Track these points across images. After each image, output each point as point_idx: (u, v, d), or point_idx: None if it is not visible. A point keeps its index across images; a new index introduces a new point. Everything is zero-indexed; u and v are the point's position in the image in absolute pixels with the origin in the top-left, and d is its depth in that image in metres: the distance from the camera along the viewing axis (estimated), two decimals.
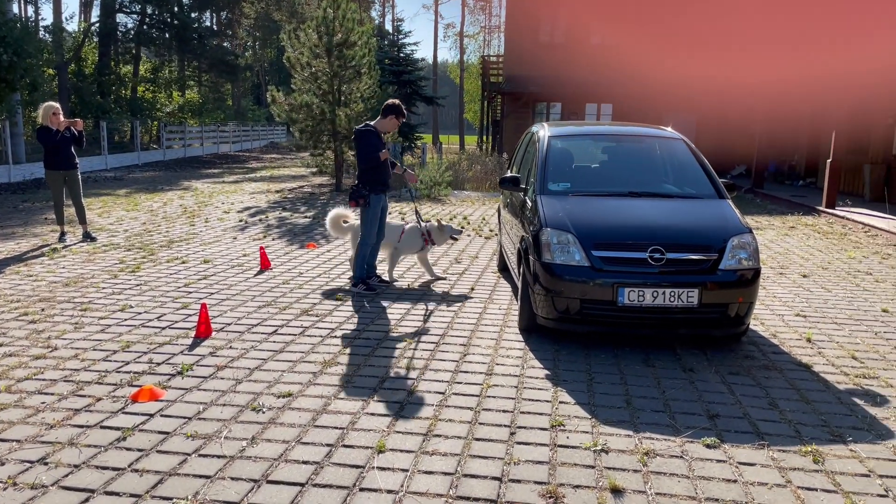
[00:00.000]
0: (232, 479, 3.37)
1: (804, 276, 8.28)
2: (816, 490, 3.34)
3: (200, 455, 3.59)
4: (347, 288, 7.25)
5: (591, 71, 23.68)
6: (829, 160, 14.57)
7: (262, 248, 8.69)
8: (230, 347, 5.31)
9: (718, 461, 3.63)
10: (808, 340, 5.77)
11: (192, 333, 5.61)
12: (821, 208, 14.40)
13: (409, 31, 43.51)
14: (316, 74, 17.54)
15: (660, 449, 3.75)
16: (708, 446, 3.79)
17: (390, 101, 7.08)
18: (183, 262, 8.45)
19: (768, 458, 3.67)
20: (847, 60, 13.20)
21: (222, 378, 4.68)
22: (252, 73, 58.52)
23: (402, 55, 31.51)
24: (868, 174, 16.11)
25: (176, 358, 5.05)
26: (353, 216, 7.63)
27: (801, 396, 4.56)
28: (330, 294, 7.03)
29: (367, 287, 7.11)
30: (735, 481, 3.42)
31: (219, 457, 3.58)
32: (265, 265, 8.24)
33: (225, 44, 52.19)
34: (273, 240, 10.37)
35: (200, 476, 3.39)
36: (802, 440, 3.89)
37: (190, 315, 6.15)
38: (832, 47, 13.67)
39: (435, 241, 7.55)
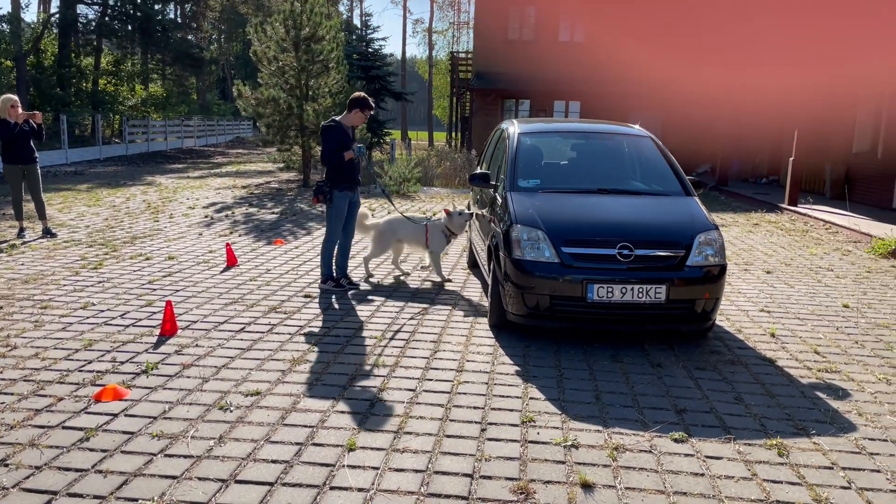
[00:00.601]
0: (199, 479, 3.31)
1: (768, 273, 8.43)
2: (781, 483, 3.40)
3: (166, 455, 3.53)
4: (317, 286, 7.14)
5: (559, 68, 23.83)
6: (791, 159, 14.85)
7: (228, 244, 8.57)
8: (196, 345, 5.23)
9: (686, 455, 3.67)
10: (772, 335, 5.87)
11: (157, 331, 5.51)
12: (783, 206, 14.68)
13: (378, 27, 43.38)
14: (283, 69, 17.33)
15: (629, 444, 3.78)
16: (676, 441, 3.83)
17: (355, 94, 6.86)
18: (147, 259, 8.29)
19: (734, 452, 3.72)
20: (809, 63, 13.47)
21: (188, 376, 4.60)
22: (217, 66, 57.67)
23: (370, 50, 31.34)
24: (829, 173, 16.47)
25: (140, 356, 4.95)
26: (372, 215, 7.67)
27: (765, 390, 4.63)
28: (298, 291, 6.95)
29: (336, 284, 6.99)
30: (703, 475, 3.47)
31: (185, 457, 3.52)
32: (231, 262, 8.13)
33: (189, 37, 51.27)
34: (239, 236, 10.24)
35: (167, 476, 3.32)
36: (767, 433, 3.96)
37: (154, 312, 6.04)
38: (796, 50, 13.93)
39: (455, 231, 7.39)
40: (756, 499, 3.25)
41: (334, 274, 7.05)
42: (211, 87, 58.35)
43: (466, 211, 7.45)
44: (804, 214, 13.58)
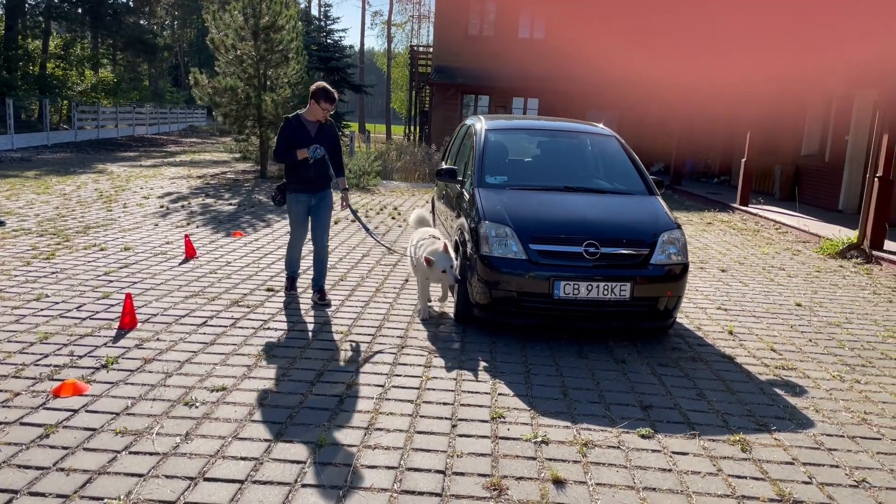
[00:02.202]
0: (166, 476, 3.24)
1: (723, 271, 8.64)
2: (746, 478, 3.49)
3: (131, 452, 3.44)
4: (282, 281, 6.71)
5: (518, 65, 23.95)
6: (743, 160, 15.23)
7: (186, 235, 8.39)
8: (157, 339, 5.10)
9: (653, 451, 3.74)
10: (730, 333, 6.02)
11: (116, 324, 5.36)
12: (735, 205, 15.04)
13: (338, 18, 42.82)
14: (241, 57, 17.02)
15: (597, 440, 3.84)
16: (643, 436, 3.90)
17: (316, 84, 6.13)
18: (101, 250, 8.06)
19: (700, 448, 3.81)
20: (762, 65, 13.82)
21: (151, 371, 4.49)
22: (171, 53, 56.27)
23: (329, 41, 31.01)
24: (778, 174, 16.94)
25: (99, 350, 4.81)
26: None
27: (726, 387, 4.75)
28: (260, 284, 6.85)
29: (288, 285, 6.49)
30: (670, 470, 3.54)
31: (151, 454, 3.43)
32: (190, 254, 7.96)
33: (142, 22, 49.95)
34: (197, 227, 10.03)
35: (132, 475, 3.24)
36: (730, 429, 4.06)
37: (112, 305, 5.87)
38: (749, 52, 14.26)
39: (430, 279, 5.96)
40: (723, 494, 3.33)
41: (297, 273, 6.58)
42: (164, 74, 56.98)
43: (452, 266, 5.68)
44: (755, 214, 13.94)
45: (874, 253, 9.61)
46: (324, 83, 6.14)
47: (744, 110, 16.31)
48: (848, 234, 10.60)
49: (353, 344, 5.23)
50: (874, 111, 10.27)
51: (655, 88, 19.69)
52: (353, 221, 11.03)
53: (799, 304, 7.10)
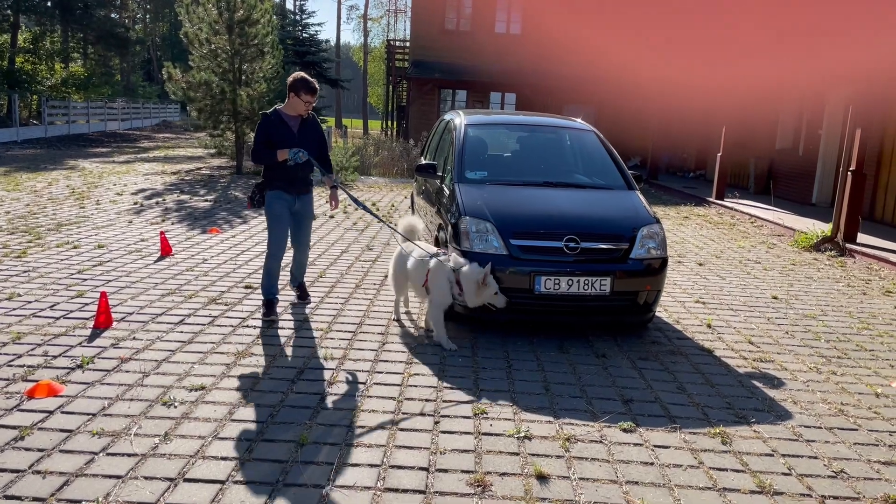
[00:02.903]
0: (145, 478, 3.19)
1: (700, 265, 8.71)
2: (727, 470, 3.52)
3: (109, 454, 3.38)
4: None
5: (495, 60, 23.94)
6: (719, 154, 15.38)
7: (162, 232, 8.27)
8: (134, 338, 5.02)
9: (636, 445, 3.76)
10: (709, 326, 6.07)
11: (91, 324, 5.26)
12: (711, 199, 15.19)
13: (313, 12, 42.44)
14: (216, 52, 16.81)
15: (580, 434, 3.84)
16: (625, 430, 3.92)
17: (293, 75, 5.59)
18: (75, 248, 7.91)
19: (681, 441, 3.83)
20: (736, 60, 13.94)
21: (127, 371, 4.42)
22: (143, 47, 55.48)
23: (305, 36, 30.76)
24: (753, 168, 17.14)
25: (74, 350, 4.72)
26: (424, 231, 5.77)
27: (705, 380, 4.78)
28: (238, 281, 6.77)
29: (266, 311, 5.62)
30: (652, 464, 3.55)
31: (129, 455, 3.38)
32: (166, 251, 7.85)
33: (113, 15, 49.13)
34: (172, 224, 9.90)
35: (110, 476, 3.18)
36: (710, 422, 4.09)
37: (87, 304, 5.77)
38: (724, 47, 14.39)
39: (464, 294, 5.09)
40: (704, 486, 3.35)
41: (276, 297, 5.72)
42: (136, 69, 56.15)
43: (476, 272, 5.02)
44: (731, 208, 14.09)
45: (848, 246, 9.76)
46: (302, 73, 5.60)
47: (719, 105, 16.46)
48: (822, 228, 10.75)
49: (334, 341, 5.19)
50: (847, 106, 10.41)
51: (632, 83, 19.80)
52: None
53: (775, 297, 7.18)
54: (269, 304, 5.66)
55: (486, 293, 4.97)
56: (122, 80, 51.05)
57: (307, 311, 5.92)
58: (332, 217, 11.01)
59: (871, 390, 4.71)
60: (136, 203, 11.69)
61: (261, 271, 7.17)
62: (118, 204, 11.49)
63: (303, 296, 6.13)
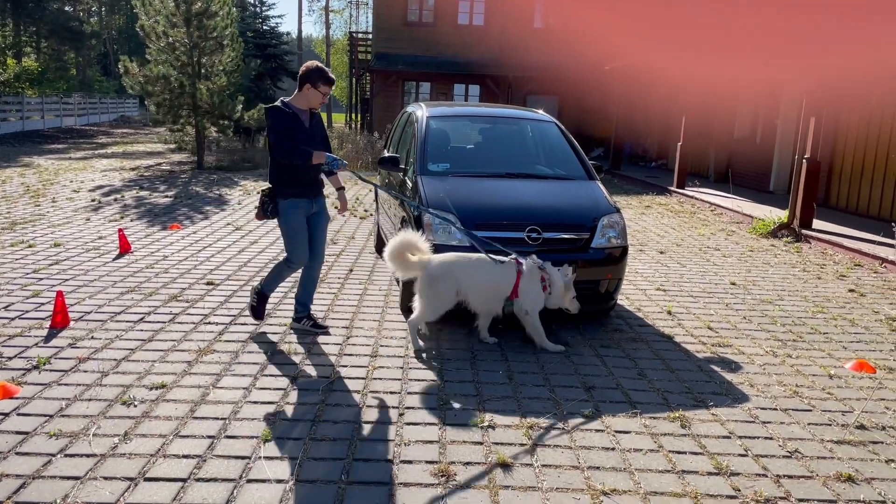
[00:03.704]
0: (105, 478, 3.14)
1: (661, 253, 8.85)
2: (686, 453, 3.59)
3: (67, 455, 3.32)
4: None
5: (458, 52, 23.95)
6: (679, 144, 15.61)
7: (120, 229, 8.12)
8: (92, 337, 4.93)
9: (597, 431, 3.81)
10: (669, 313, 6.17)
11: (47, 324, 5.15)
12: (672, 188, 15.42)
13: (273, 4, 41.95)
14: (174, 45, 16.53)
15: (543, 422, 3.89)
16: (587, 417, 3.97)
17: (306, 64, 4.96)
18: (30, 246, 7.73)
19: (641, 426, 3.90)
20: (695, 50, 14.13)
21: (86, 371, 4.34)
22: (99, 40, 54.17)
23: (266, 28, 30.35)
24: (713, 157, 17.42)
25: (30, 351, 4.62)
26: (424, 244, 4.97)
27: (666, 366, 4.87)
28: (199, 278, 6.69)
29: (255, 310, 5.30)
30: (614, 449, 3.61)
31: (88, 456, 3.32)
32: (125, 248, 7.71)
33: (67, 8, 47.91)
34: (131, 221, 9.73)
35: (69, 478, 3.13)
36: (670, 407, 4.16)
37: (42, 304, 5.65)
38: (683, 38, 14.58)
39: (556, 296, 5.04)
40: (664, 469, 3.42)
41: (267, 294, 5.34)
42: (92, 63, 54.83)
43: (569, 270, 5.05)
44: (691, 197, 14.32)
45: (803, 232, 10.00)
46: (316, 62, 5.01)
47: (680, 96, 16.69)
48: (779, 214, 10.99)
49: (297, 336, 5.16)
50: (801, 96, 10.64)
51: (594, 74, 19.96)
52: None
53: (734, 283, 7.33)
54: (264, 297, 5.29)
55: (568, 296, 5.00)
56: (78, 75, 49.84)
57: (269, 306, 5.86)
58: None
59: (825, 372, 4.85)
60: (93, 200, 11.45)
61: (224, 267, 7.12)
62: (75, 201, 11.25)
63: (318, 323, 5.34)
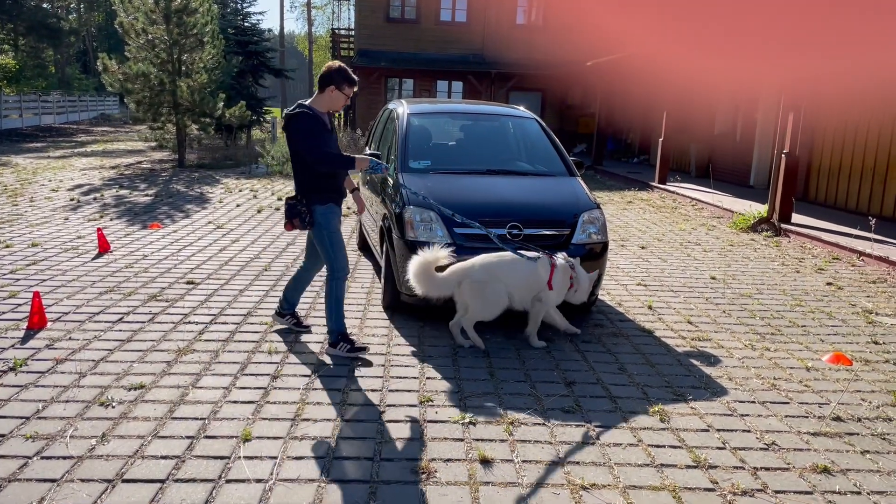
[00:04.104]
0: (82, 480, 3.12)
1: (642, 248, 8.90)
2: (664, 447, 3.62)
3: (43, 457, 3.29)
4: (324, 350, 4.83)
5: (441, 48, 23.92)
6: (660, 139, 15.69)
7: (99, 229, 8.04)
8: (70, 338, 4.89)
9: (577, 426, 3.83)
10: (650, 308, 6.21)
11: (24, 325, 5.10)
12: (654, 184, 15.50)
13: (254, 0, 41.62)
14: (153, 42, 16.38)
15: (523, 418, 3.90)
16: (567, 412, 3.99)
17: (328, 65, 4.72)
18: (7, 247, 7.64)
19: (621, 420, 3.92)
20: (677, 46, 14.22)
21: (63, 372, 4.30)
22: (78, 38, 53.58)
23: (247, 25, 30.11)
24: (694, 152, 17.53)
25: (7, 352, 4.57)
26: (449, 257, 4.92)
27: (646, 360, 4.90)
28: (180, 277, 6.64)
29: (350, 346, 4.74)
30: (593, 444, 3.63)
31: (65, 458, 3.30)
32: (104, 248, 7.64)
33: (45, 5, 47.33)
34: (111, 220, 9.63)
35: (45, 480, 3.10)
36: (650, 401, 4.19)
37: (19, 305, 5.58)
38: (664, 34, 14.65)
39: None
40: (643, 464, 3.44)
41: (345, 327, 4.86)
42: (71, 61, 54.24)
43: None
44: (673, 192, 14.41)
45: (783, 226, 10.09)
46: (338, 62, 4.76)
47: (661, 91, 16.77)
48: (759, 209, 11.09)
49: (279, 335, 5.14)
50: (780, 92, 10.74)
51: (577, 70, 20.01)
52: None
53: (714, 278, 7.39)
54: (341, 336, 4.78)
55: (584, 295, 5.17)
56: (57, 73, 49.28)
57: (250, 305, 5.84)
58: (277, 209, 10.87)
59: (802, 364, 4.90)
60: (72, 199, 11.33)
61: (205, 266, 7.07)
62: (53, 200, 11.12)
63: (301, 323, 5.29)
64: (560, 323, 5.32)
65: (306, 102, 4.74)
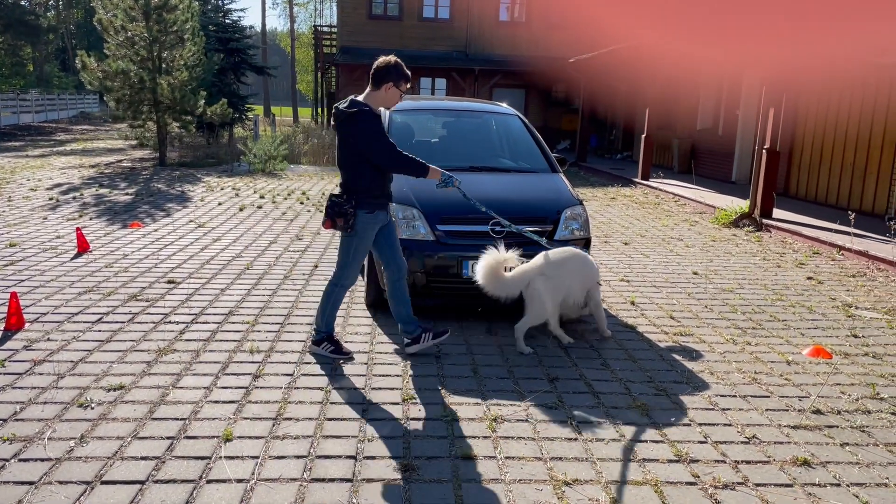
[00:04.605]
0: (60, 482, 3.08)
1: (625, 244, 8.93)
2: (647, 442, 3.64)
3: (21, 460, 3.24)
4: (307, 348, 4.80)
5: (424, 45, 23.89)
6: (643, 136, 15.77)
7: (78, 228, 7.94)
8: (48, 339, 4.82)
9: (560, 422, 3.84)
10: (632, 303, 6.24)
11: (1, 326, 5.03)
12: (637, 180, 15.57)
13: None
14: (133, 39, 16.21)
15: (506, 414, 3.90)
16: (550, 408, 4.00)
17: (382, 60, 4.45)
18: None
19: (604, 416, 3.93)
20: (658, 42, 14.27)
21: (41, 373, 4.24)
22: (56, 35, 52.93)
23: (228, 22, 29.90)
24: (676, 148, 17.63)
25: None
26: (516, 259, 4.89)
27: (628, 356, 4.92)
28: (160, 276, 6.58)
29: (334, 347, 4.67)
30: (576, 439, 3.64)
31: (43, 460, 3.25)
32: (83, 247, 7.55)
33: (23, 2, 46.69)
34: (91, 219, 9.53)
35: (22, 483, 3.06)
36: (632, 396, 4.21)
37: None
38: (646, 30, 14.71)
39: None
40: (625, 459, 3.45)
41: (334, 331, 4.80)
42: (50, 58, 53.58)
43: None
44: (656, 188, 14.48)
45: (764, 221, 10.17)
46: (393, 57, 4.49)
47: (643, 87, 16.84)
48: (740, 204, 11.17)
49: (261, 334, 5.10)
50: (761, 87, 10.81)
51: (560, 66, 20.05)
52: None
53: (696, 273, 7.43)
54: (332, 337, 4.70)
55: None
56: (35, 71, 48.69)
57: (232, 304, 5.80)
58: (259, 207, 10.81)
59: (783, 358, 4.94)
60: (51, 199, 11.19)
61: (186, 265, 7.01)
62: (32, 200, 10.98)
63: (443, 332, 4.90)
64: (554, 327, 5.15)
65: (359, 98, 4.46)
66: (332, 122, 4.36)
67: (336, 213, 4.44)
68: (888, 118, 10.47)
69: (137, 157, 18.69)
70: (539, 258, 4.95)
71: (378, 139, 4.40)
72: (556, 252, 5.02)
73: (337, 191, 4.58)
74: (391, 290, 4.80)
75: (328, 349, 4.65)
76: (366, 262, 5.92)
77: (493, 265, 4.76)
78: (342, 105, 4.45)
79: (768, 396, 4.27)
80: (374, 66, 4.46)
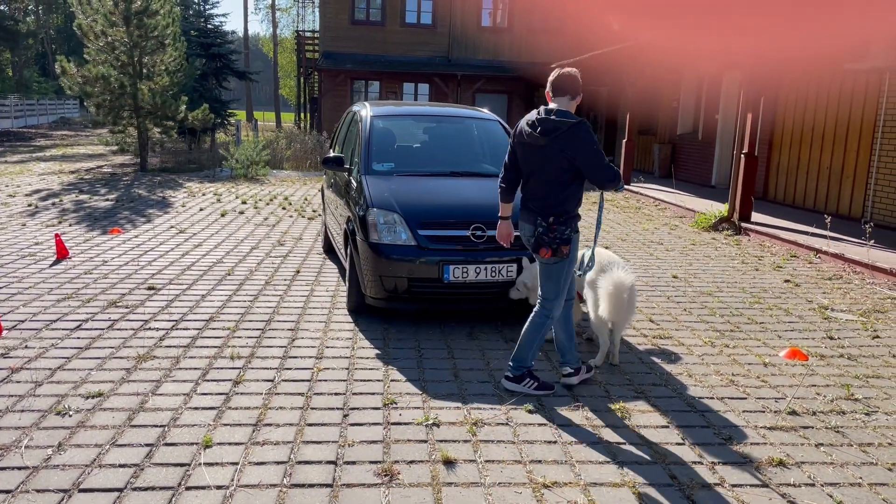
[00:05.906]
0: (37, 491, 3.06)
1: (606, 248, 8.98)
2: (626, 444, 3.67)
3: None
4: (503, 384, 4.34)
5: (406, 50, 23.92)
6: (624, 140, 15.89)
7: (57, 235, 7.88)
8: (26, 347, 4.78)
9: (540, 425, 3.86)
10: None
11: None
12: None
13: (217, 2, 41.20)
14: (113, 44, 16.11)
15: (487, 418, 3.92)
16: (530, 412, 4.02)
17: (574, 71, 4.16)
18: None
19: (583, 419, 3.96)
20: (639, 47, 14.40)
21: (18, 381, 4.21)
22: (36, 40, 52.49)
23: (210, 27, 29.79)
24: (657, 153, 17.78)
25: None
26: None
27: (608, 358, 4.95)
28: (140, 283, 6.54)
29: (538, 384, 4.27)
30: (555, 442, 3.66)
31: (20, 468, 3.23)
32: (62, 254, 7.49)
33: (2, 7, 46.24)
34: (70, 226, 9.45)
35: None
36: (611, 399, 4.24)
37: None
38: (627, 34, 14.83)
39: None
40: (604, 461, 3.48)
41: (532, 367, 4.36)
42: (29, 63, 53.07)
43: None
44: (637, 192, 14.59)
45: (743, 225, 10.28)
46: (570, 69, 4.20)
47: (624, 92, 16.97)
48: (719, 208, 11.28)
49: (241, 340, 5.09)
50: (739, 91, 10.94)
51: (542, 72, 20.15)
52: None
53: (675, 276, 7.50)
54: (528, 372, 4.31)
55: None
56: (15, 76, 48.22)
57: (213, 310, 5.78)
58: (241, 213, 10.77)
59: (760, 360, 5.00)
60: (30, 205, 11.09)
61: (166, 271, 6.97)
62: (10, 206, 10.87)
63: (591, 366, 4.61)
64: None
65: (562, 109, 4.09)
66: (530, 133, 4.09)
67: (562, 241, 4.06)
68: (863, 123, 10.64)
69: (118, 163, 18.56)
70: (612, 267, 4.77)
71: (601, 154, 4.03)
72: (603, 253, 4.96)
73: (546, 218, 4.08)
74: (563, 320, 4.38)
75: (531, 385, 4.26)
76: (347, 269, 5.94)
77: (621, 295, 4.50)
78: (552, 115, 4.02)
79: (745, 398, 4.32)
80: (568, 75, 4.14)
